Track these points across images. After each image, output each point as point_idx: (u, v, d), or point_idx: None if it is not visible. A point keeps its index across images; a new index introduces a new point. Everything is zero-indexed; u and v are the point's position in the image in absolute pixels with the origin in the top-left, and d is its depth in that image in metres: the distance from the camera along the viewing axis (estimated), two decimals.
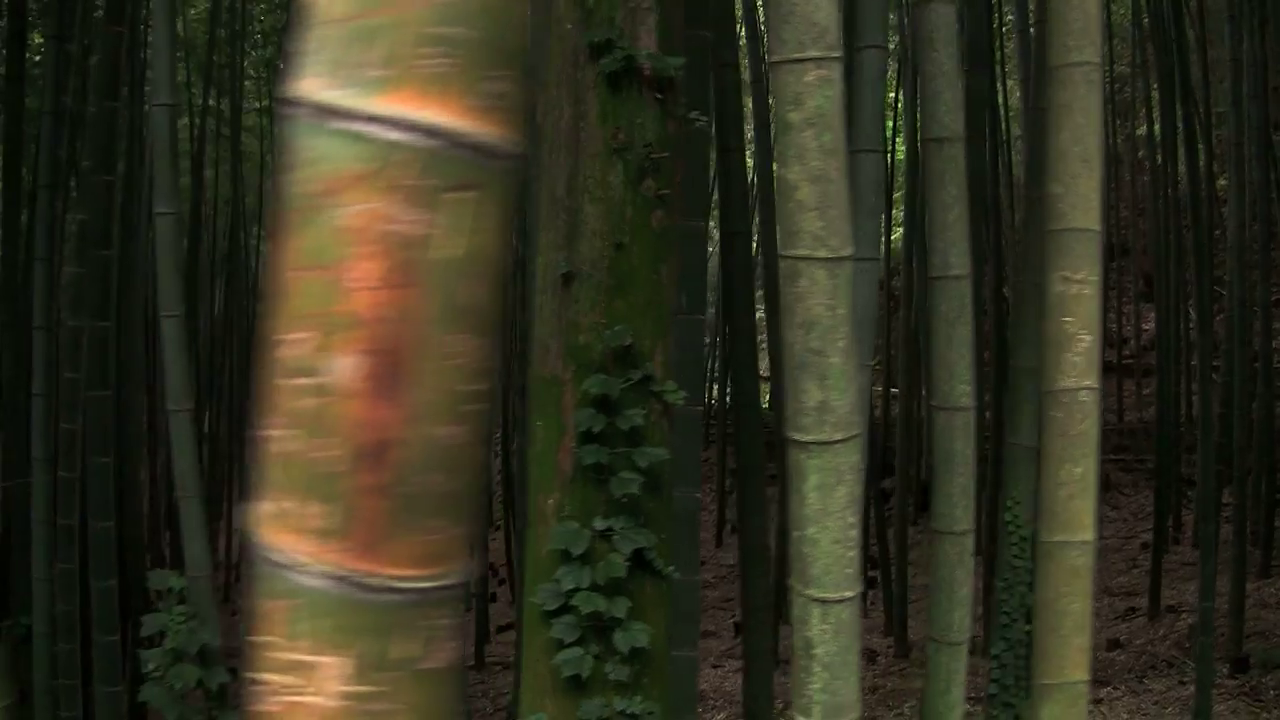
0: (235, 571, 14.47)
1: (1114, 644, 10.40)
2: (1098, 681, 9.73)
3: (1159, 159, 12.47)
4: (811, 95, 2.74)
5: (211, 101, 13.88)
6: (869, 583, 11.29)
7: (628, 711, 3.78)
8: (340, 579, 0.77)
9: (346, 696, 0.78)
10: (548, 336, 3.86)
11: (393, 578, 0.77)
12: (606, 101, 3.85)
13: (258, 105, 15.31)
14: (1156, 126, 12.99)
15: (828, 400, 2.77)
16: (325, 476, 0.75)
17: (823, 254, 2.75)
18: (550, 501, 3.81)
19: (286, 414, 0.75)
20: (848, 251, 2.79)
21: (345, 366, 0.73)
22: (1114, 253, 13.27)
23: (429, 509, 0.78)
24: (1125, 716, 9.31)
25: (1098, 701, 9.44)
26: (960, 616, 3.82)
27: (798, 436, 2.82)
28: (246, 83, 14.36)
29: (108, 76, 6.69)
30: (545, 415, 3.85)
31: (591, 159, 3.84)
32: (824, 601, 2.90)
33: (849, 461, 2.84)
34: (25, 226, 8.25)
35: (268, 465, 0.78)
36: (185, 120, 14.69)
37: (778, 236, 2.89)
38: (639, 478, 3.71)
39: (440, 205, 0.73)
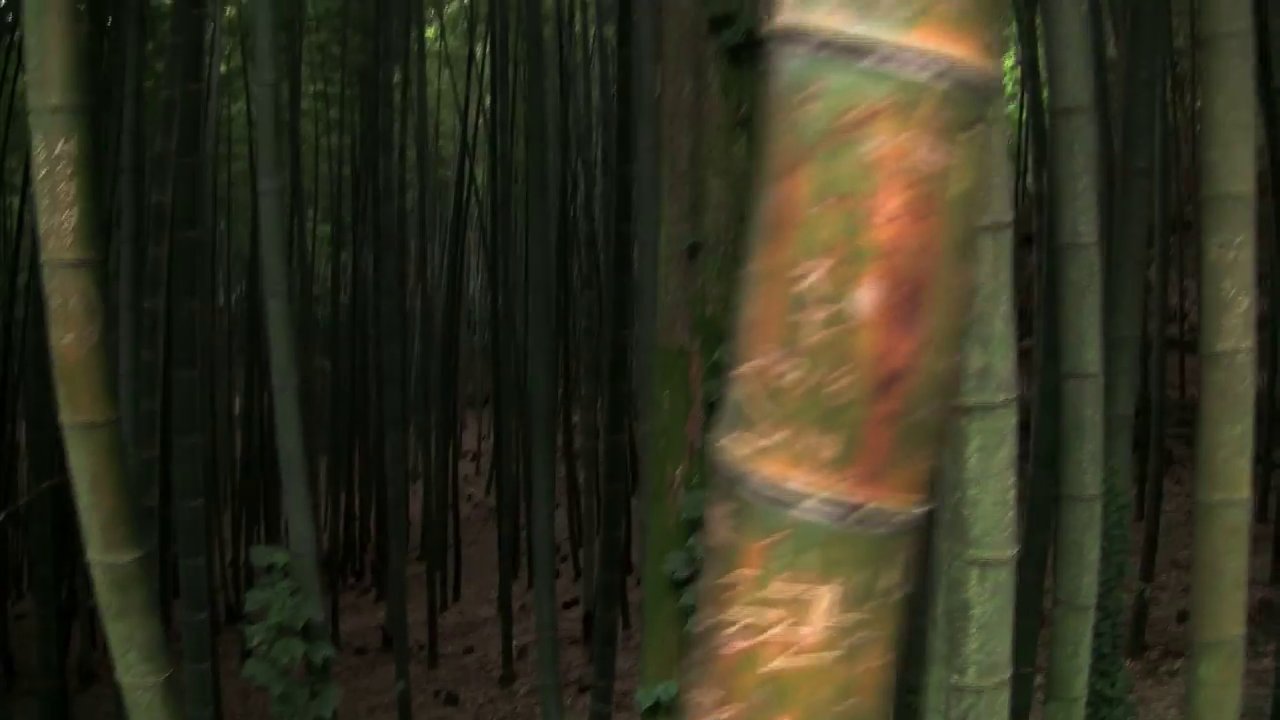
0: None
1: (1184, 616, 10.35)
2: (1170, 653, 9.73)
3: None
4: None
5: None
6: None
7: None
8: (840, 510, 0.79)
9: (832, 630, 0.79)
10: (673, 308, 3.88)
11: (888, 507, 0.79)
12: (728, 75, 3.86)
13: (310, 90, 15.34)
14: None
15: (990, 365, 2.79)
16: (834, 407, 0.77)
17: (985, 221, 2.76)
18: (678, 472, 3.84)
19: (793, 346, 0.77)
20: (1008, 218, 2.81)
21: (865, 297, 0.75)
22: (1174, 226, 13.15)
23: (923, 438, 0.80)
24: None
25: (1171, 673, 9.43)
26: (1088, 581, 3.83)
27: (959, 401, 2.83)
28: (305, 68, 14.38)
29: (190, 58, 6.73)
30: (671, 386, 3.88)
31: (714, 132, 3.85)
32: (983, 563, 2.92)
33: (1009, 424, 2.86)
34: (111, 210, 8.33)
35: (760, 398, 0.79)
36: (242, 105, 14.79)
37: None
38: None
39: (957, 141, 0.75)
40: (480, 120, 15.18)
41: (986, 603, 2.96)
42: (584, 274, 13.30)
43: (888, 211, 0.74)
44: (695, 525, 3.74)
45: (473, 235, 16.78)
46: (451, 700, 11.08)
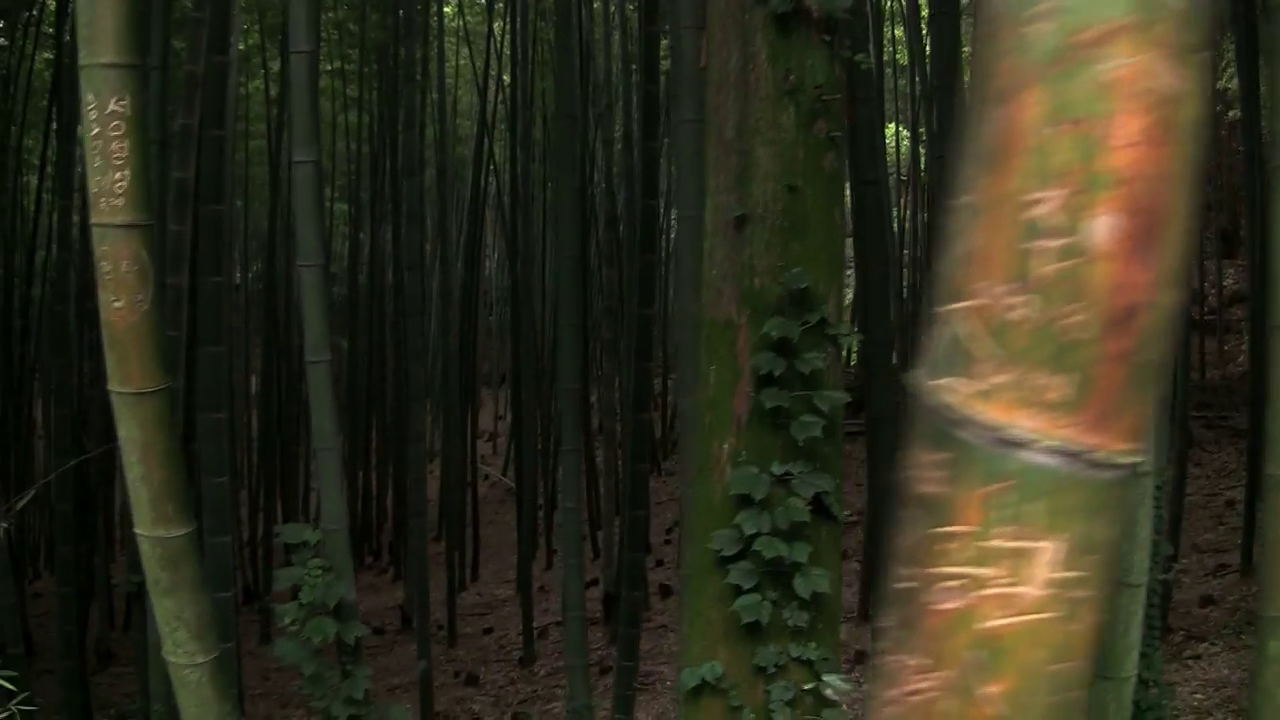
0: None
1: (1207, 600, 10.30)
2: (1194, 637, 9.66)
3: (1238, 112, 12.23)
4: None
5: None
6: None
7: (803, 658, 3.77)
8: (1069, 455, 0.73)
9: (1053, 584, 0.74)
10: (720, 280, 3.82)
11: (1115, 452, 0.74)
12: (776, 43, 3.79)
13: (328, 68, 15.26)
14: (1234, 80, 12.74)
15: None
16: (1066, 344, 0.71)
17: None
18: (725, 447, 3.79)
19: (1023, 279, 0.72)
20: None
21: (1101, 226, 0.70)
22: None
23: (1149, 379, 0.74)
24: (1225, 671, 9.21)
25: (1196, 657, 9.36)
26: (1140, 558, 3.77)
27: None
28: (323, 45, 14.28)
29: (217, 31, 6.66)
30: (718, 360, 3.82)
31: (762, 101, 3.79)
32: None
33: None
34: None
35: (983, 336, 0.74)
36: (260, 83, 14.72)
37: None
38: (820, 421, 3.68)
39: (1191, 63, 0.70)
40: (499, 97, 15.12)
41: None
42: (603, 251, 13.24)
43: (1126, 136, 0.69)
44: (744, 501, 3.70)
45: (489, 213, 16.70)
46: (472, 681, 11.07)
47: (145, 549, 2.96)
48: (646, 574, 12.87)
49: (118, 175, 2.68)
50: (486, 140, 14.04)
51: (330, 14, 15.02)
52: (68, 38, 9.69)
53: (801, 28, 3.80)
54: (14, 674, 3.87)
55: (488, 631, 12.82)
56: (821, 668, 3.79)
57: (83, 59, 2.71)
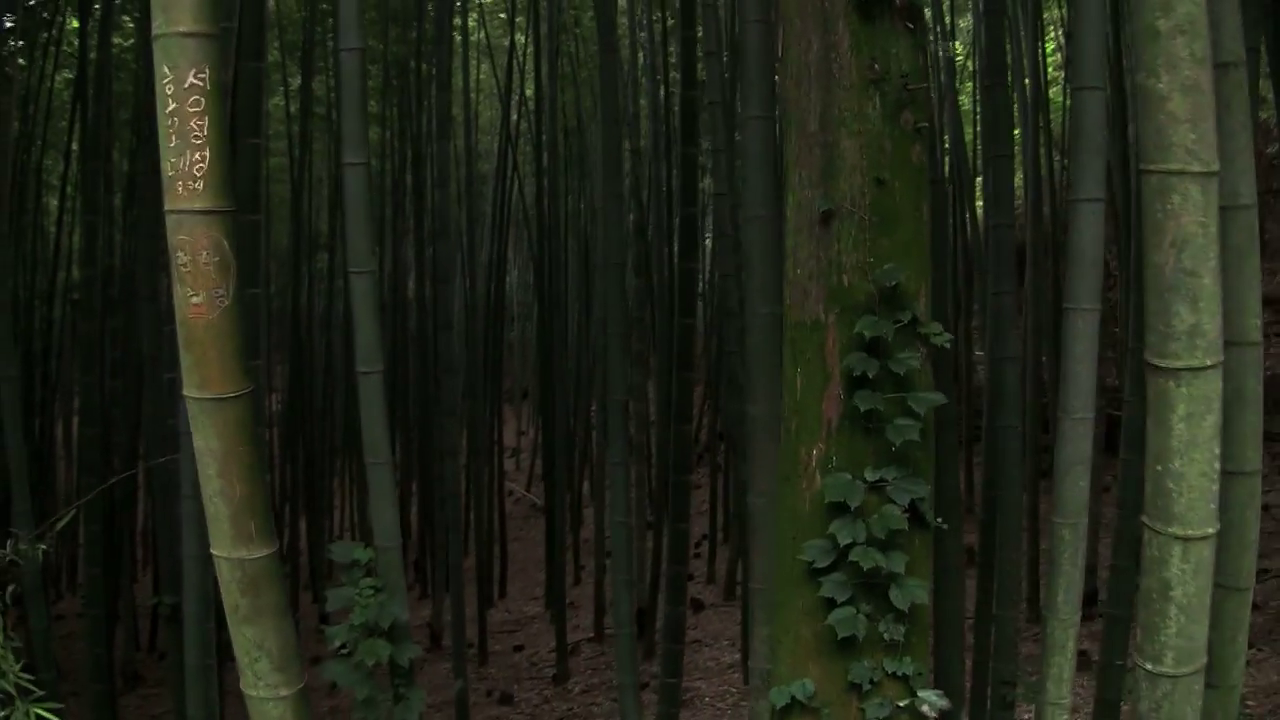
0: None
1: (1251, 606, 10.11)
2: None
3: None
4: (1182, 1, 2.57)
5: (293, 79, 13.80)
6: None
7: (898, 673, 3.60)
8: None
9: None
10: (805, 279, 3.66)
11: None
12: (859, 31, 3.64)
13: None
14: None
15: (1199, 324, 2.58)
16: None
17: (1196, 168, 2.56)
18: (815, 452, 3.62)
19: None
20: (1217, 166, 2.60)
21: None
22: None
23: None
24: (1275, 677, 9.09)
25: (1246, 663, 9.18)
26: (1248, 562, 3.61)
27: (1164, 363, 2.62)
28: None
29: (252, 36, 6.51)
30: (804, 362, 3.66)
31: (846, 91, 3.64)
32: (1186, 539, 2.72)
33: (1216, 388, 2.65)
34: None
35: None
36: (279, 99, 14.63)
37: (1141, 150, 2.68)
38: (916, 424, 3.52)
39: None
40: (522, 110, 15.01)
41: (1188, 583, 2.76)
42: (635, 262, 13.07)
43: None
44: (837, 510, 3.53)
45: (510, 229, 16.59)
46: (506, 699, 10.90)
47: (224, 572, 2.72)
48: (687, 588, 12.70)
49: (197, 156, 2.47)
50: (511, 153, 13.90)
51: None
52: (93, 55, 9.59)
53: (885, 14, 3.65)
54: (59, 706, 3.71)
55: (518, 649, 12.66)
56: (916, 683, 3.62)
57: (158, 28, 2.51)
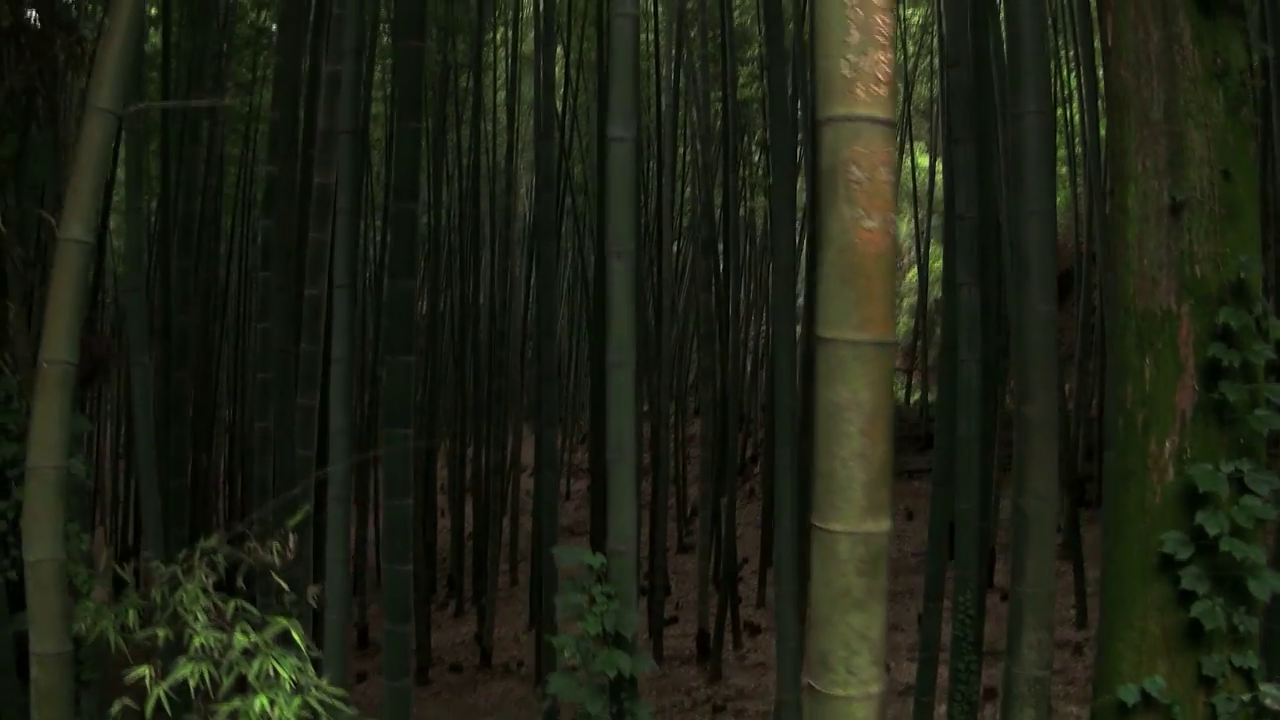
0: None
1: None
2: None
3: None
4: None
5: None
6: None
7: (1242, 667, 3.55)
8: None
9: None
10: (1153, 269, 3.62)
11: None
12: (1200, 25, 3.64)
13: (380, 94, 14.96)
14: None
15: None
16: None
17: None
18: (1168, 445, 3.57)
19: None
20: None
21: None
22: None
23: None
24: None
25: None
26: None
27: None
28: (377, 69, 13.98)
29: (413, 16, 6.36)
30: (1153, 352, 3.62)
31: (1190, 83, 3.62)
32: None
33: None
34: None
35: None
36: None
37: None
38: (1276, 415, 3.48)
39: None
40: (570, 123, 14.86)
41: None
42: (699, 277, 12.86)
43: None
44: (1203, 500, 3.48)
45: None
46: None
47: (843, 549, 2.34)
48: (740, 610, 12.59)
49: (880, 57, 2.23)
50: (563, 167, 13.74)
51: (385, 40, 14.76)
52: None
53: (1222, 10, 3.65)
54: None
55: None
56: (1256, 676, 3.58)
57: None
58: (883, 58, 2.23)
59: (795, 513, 6.39)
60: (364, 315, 13.10)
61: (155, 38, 11.11)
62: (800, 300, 10.17)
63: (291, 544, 3.80)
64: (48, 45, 4.94)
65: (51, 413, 3.48)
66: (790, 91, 8.88)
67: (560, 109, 13.48)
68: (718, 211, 12.55)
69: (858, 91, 2.23)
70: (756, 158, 18.08)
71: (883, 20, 2.22)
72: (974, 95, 6.20)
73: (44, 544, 3.48)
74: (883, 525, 2.30)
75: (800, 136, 10.61)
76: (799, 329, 9.54)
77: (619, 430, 4.67)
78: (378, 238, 13.19)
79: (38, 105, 4.98)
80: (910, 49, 16.85)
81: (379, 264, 12.98)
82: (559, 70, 13.48)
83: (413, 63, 6.32)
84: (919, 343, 19.35)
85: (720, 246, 12.67)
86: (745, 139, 16.41)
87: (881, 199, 2.25)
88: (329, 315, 6.93)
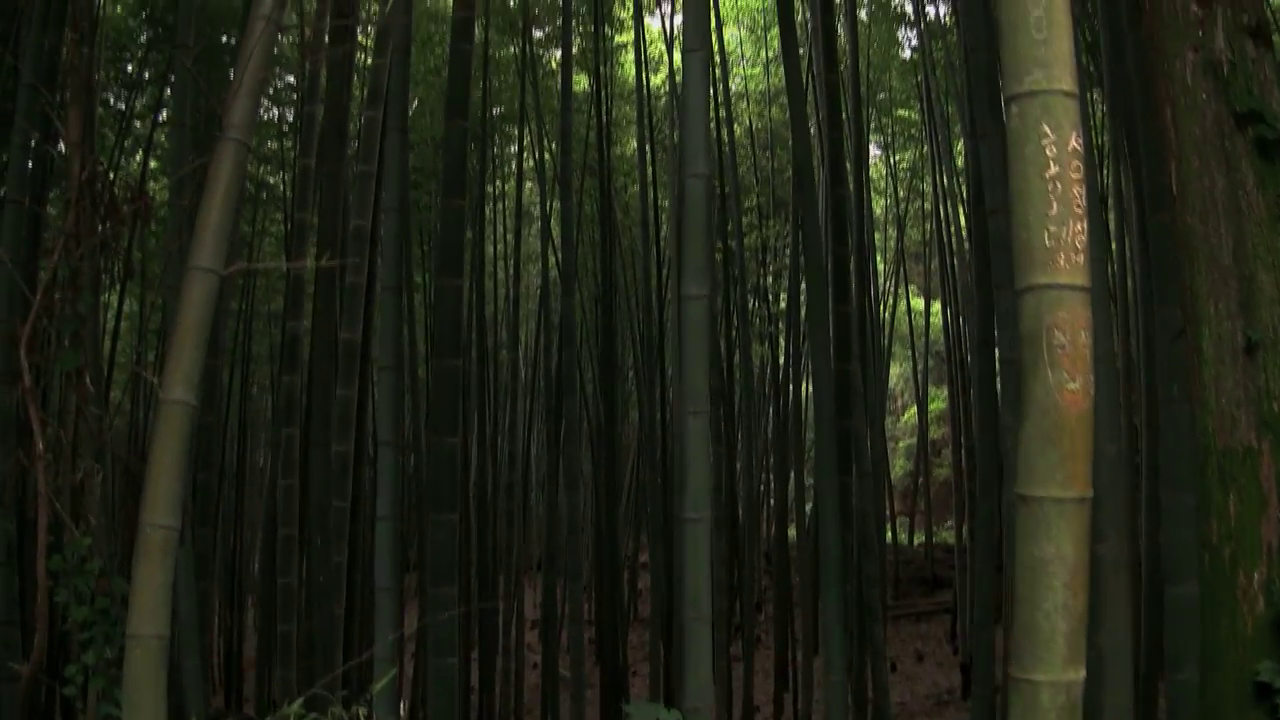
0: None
1: None
2: None
3: None
4: None
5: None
6: None
7: None
8: None
9: None
10: (1233, 407, 3.74)
11: None
12: (1262, 170, 3.82)
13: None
14: None
15: None
16: None
17: None
18: (1256, 576, 3.66)
19: None
20: None
21: None
22: None
23: None
24: None
25: None
26: None
27: None
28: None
29: (459, 97, 6.55)
30: (1237, 488, 3.72)
31: (1256, 226, 3.79)
32: None
33: None
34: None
35: None
36: None
37: None
38: None
39: None
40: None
41: None
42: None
43: None
44: None
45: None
46: None
47: (1045, 699, 2.40)
48: None
49: (1079, 227, 2.36)
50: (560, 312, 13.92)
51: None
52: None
53: None
54: None
55: None
56: None
57: (1034, 84, 2.43)
58: (1080, 228, 2.37)
59: (843, 666, 6.35)
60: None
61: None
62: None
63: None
64: (118, 202, 5.03)
65: (154, 578, 3.42)
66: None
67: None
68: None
69: (1059, 261, 2.36)
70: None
71: (1079, 193, 2.36)
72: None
73: (144, 714, 3.45)
74: (1082, 673, 2.36)
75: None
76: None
77: (695, 586, 4.68)
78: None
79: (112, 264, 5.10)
80: (901, 193, 17.29)
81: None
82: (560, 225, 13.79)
83: (454, 221, 6.50)
84: (920, 481, 19.44)
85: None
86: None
87: (1083, 362, 2.37)
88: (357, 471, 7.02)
